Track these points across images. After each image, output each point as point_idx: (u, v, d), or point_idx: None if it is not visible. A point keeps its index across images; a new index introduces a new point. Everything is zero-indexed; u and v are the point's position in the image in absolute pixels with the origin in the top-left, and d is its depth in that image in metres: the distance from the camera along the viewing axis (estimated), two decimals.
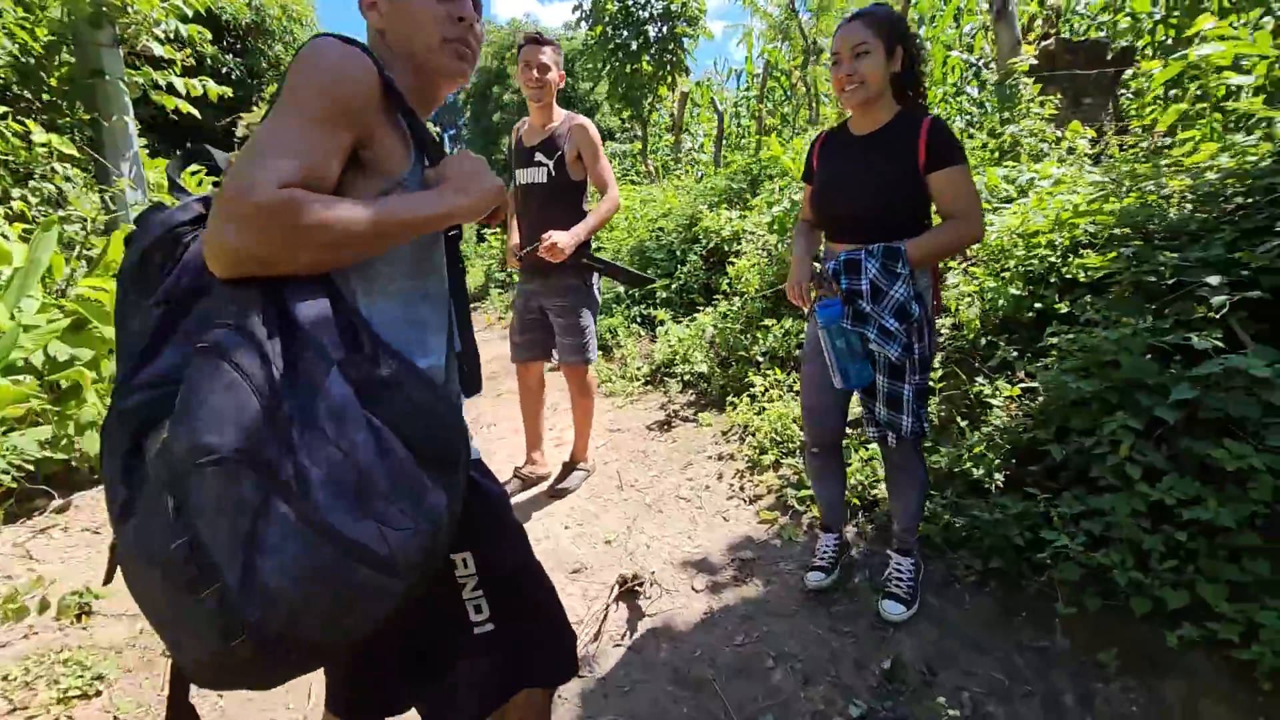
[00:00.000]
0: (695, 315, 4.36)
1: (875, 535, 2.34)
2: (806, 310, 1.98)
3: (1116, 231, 2.44)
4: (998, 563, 1.99)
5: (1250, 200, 2.40)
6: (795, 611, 2.05)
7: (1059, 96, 4.18)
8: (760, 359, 3.50)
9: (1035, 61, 4.33)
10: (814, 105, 6.86)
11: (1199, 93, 3.50)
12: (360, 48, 0.83)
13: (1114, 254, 2.34)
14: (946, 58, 7.68)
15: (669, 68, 11.05)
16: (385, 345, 0.80)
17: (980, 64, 7.90)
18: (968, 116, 7.94)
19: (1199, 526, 1.71)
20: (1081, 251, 2.51)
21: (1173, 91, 4.12)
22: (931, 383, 2.65)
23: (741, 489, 2.78)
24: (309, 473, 0.68)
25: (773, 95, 9.66)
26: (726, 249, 4.76)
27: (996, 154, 4.30)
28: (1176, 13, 5.33)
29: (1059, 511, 1.88)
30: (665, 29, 10.69)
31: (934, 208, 1.79)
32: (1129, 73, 4.76)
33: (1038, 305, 2.55)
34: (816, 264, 1.96)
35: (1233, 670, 1.58)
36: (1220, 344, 1.90)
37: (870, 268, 1.74)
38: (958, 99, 8.11)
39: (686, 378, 3.86)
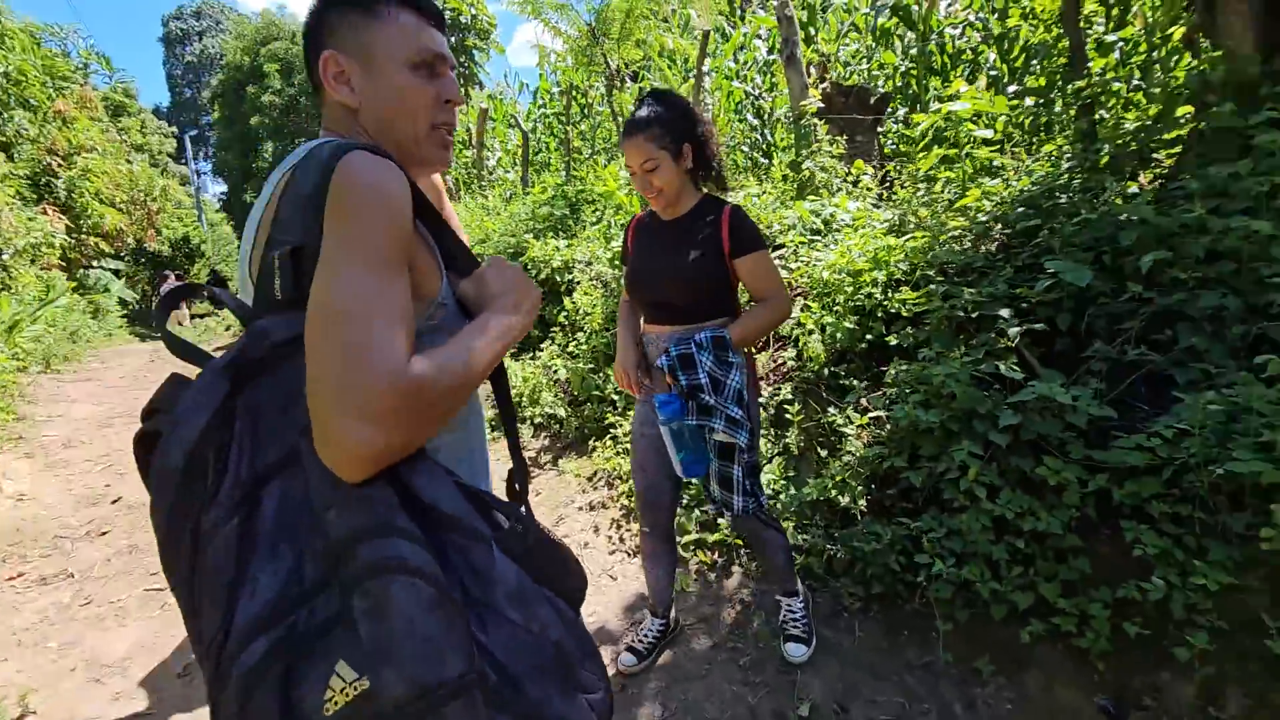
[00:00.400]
0: (534, 351, 4.20)
1: (761, 575, 2.42)
2: (638, 396, 1.96)
3: (930, 272, 2.79)
4: (878, 588, 2.17)
5: (1015, 240, 2.91)
6: (707, 671, 2.04)
7: (844, 136, 4.73)
8: (615, 398, 3.47)
9: (823, 105, 4.86)
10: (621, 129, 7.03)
11: (952, 140, 4.19)
12: (384, 155, 0.73)
13: (926, 289, 2.69)
14: (731, 90, 8.36)
15: (461, 81, 10.64)
16: (502, 503, 0.75)
17: (759, 94, 8.76)
18: (749, 141, 8.77)
19: (1033, 534, 2.01)
20: (899, 288, 2.84)
21: (927, 139, 4.88)
22: (789, 415, 2.82)
23: (622, 540, 2.72)
24: (513, 667, 0.64)
25: (571, 114, 9.74)
26: (558, 280, 4.67)
27: (796, 187, 4.75)
28: (914, 66, 6.36)
29: (929, 537, 2.09)
30: (455, 40, 10.28)
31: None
32: (888, 115, 5.56)
33: (869, 337, 2.84)
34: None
35: (1074, 657, 1.87)
36: (1017, 369, 2.27)
37: (705, 361, 1.76)
38: (741, 124, 8.94)
39: (538, 420, 3.70)
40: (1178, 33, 3.90)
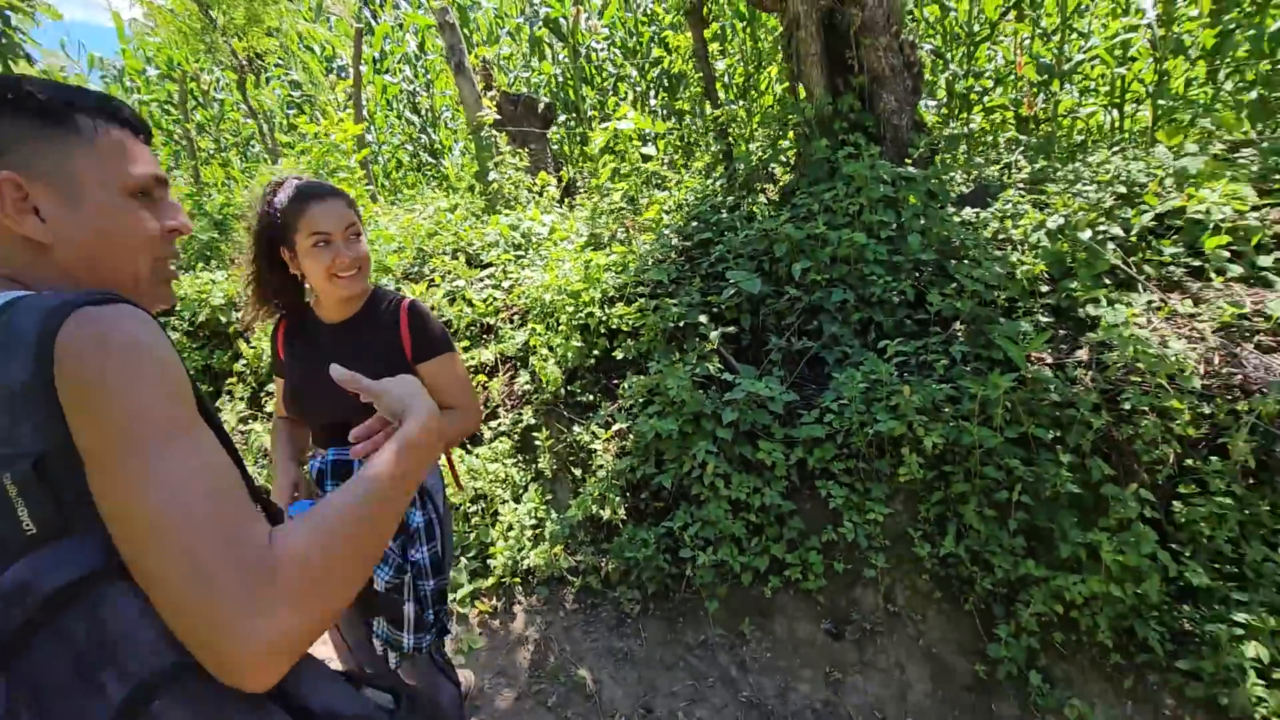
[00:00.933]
0: None
1: (544, 603, 2.46)
2: None
3: (638, 289, 3.09)
4: (653, 588, 2.40)
5: (694, 251, 3.39)
6: None
7: (525, 149, 4.86)
8: None
9: (499, 116, 4.90)
10: (268, 133, 6.04)
11: (621, 154, 4.64)
12: (112, 299, 0.60)
13: (639, 303, 2.98)
14: (386, 85, 7.85)
15: None
16: (368, 676, 0.73)
17: (414, 89, 8.42)
18: (410, 138, 8.43)
19: (760, 508, 2.43)
20: (614, 304, 3.09)
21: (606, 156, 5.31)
22: (537, 440, 2.87)
23: None
24: None
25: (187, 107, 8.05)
26: (223, 321, 3.90)
27: (486, 201, 4.74)
28: (568, 76, 6.79)
29: (688, 533, 2.38)
30: None
31: None
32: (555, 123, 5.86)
33: (595, 353, 3.04)
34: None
35: (803, 598, 2.34)
36: (722, 368, 2.70)
37: None
38: (400, 120, 8.52)
39: None
40: (773, 70, 4.92)
